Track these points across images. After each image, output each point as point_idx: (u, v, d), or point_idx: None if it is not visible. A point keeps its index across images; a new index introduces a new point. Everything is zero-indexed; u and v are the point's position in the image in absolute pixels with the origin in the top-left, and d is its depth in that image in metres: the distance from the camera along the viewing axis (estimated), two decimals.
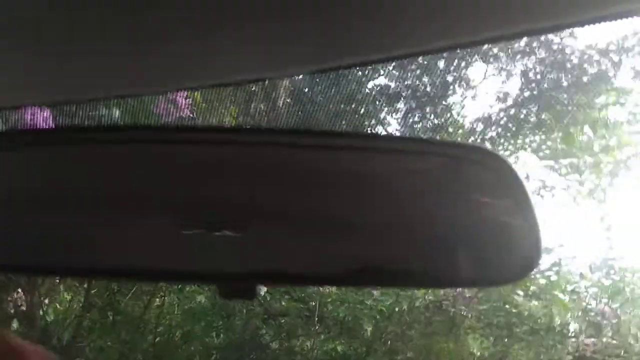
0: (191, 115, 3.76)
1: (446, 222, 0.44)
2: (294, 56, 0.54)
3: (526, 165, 4.46)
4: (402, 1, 0.44)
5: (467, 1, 0.43)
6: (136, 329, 4.21)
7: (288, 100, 4.29)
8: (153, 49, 0.54)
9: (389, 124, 4.45)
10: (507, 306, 3.78)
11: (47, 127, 2.78)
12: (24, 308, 3.86)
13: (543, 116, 4.02)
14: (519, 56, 4.29)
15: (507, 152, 4.48)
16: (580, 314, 3.81)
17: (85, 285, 4.09)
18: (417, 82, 4.21)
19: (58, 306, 4.17)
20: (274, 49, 0.53)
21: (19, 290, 3.86)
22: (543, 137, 4.23)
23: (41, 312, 3.96)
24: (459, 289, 3.96)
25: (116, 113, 3.05)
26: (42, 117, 2.89)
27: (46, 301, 4.04)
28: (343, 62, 0.57)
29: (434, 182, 0.46)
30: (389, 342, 4.17)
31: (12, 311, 3.82)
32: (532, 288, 3.87)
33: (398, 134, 4.50)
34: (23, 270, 0.46)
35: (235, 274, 0.42)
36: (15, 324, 3.74)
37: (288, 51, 0.53)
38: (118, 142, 0.44)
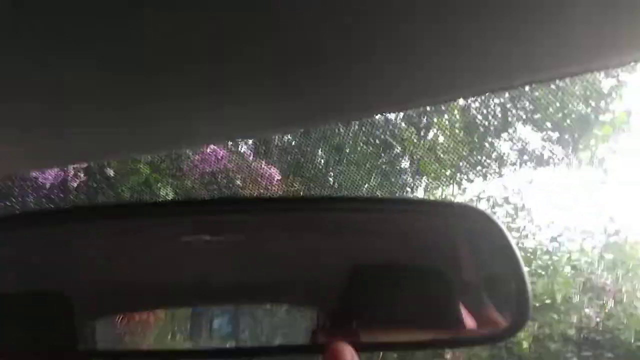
0: None
1: (436, 281, 0.44)
2: (289, 113, 0.54)
3: (521, 135, 4.45)
4: (397, 56, 0.43)
5: (464, 56, 0.42)
6: None
7: None
8: (148, 112, 0.55)
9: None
10: None
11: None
12: None
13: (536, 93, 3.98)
14: None
15: (500, 125, 4.46)
16: (581, 287, 3.84)
17: None
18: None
19: None
20: (267, 108, 0.53)
21: None
22: (536, 106, 4.20)
23: None
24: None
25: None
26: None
27: None
28: (335, 117, 0.56)
29: (424, 241, 0.45)
30: None
31: None
32: (533, 265, 3.89)
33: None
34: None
35: (228, 351, 0.43)
36: None
37: (282, 108, 0.53)
38: (117, 217, 0.44)
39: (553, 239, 4.00)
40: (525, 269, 0.42)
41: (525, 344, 3.68)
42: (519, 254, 0.43)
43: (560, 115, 3.87)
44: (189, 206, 0.45)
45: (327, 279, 0.44)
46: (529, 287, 0.42)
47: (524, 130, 4.17)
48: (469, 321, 0.44)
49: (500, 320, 0.44)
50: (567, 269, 3.85)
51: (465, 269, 0.45)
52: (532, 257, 3.96)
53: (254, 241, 0.45)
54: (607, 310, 3.76)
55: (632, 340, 3.61)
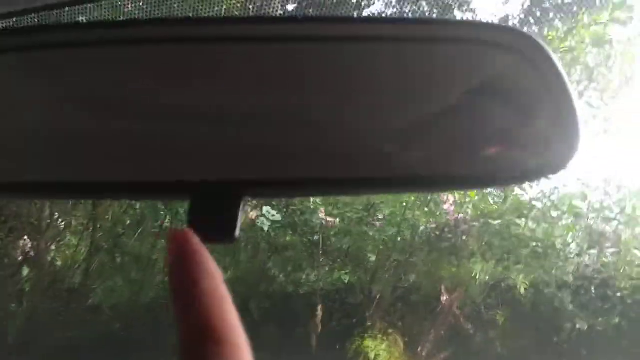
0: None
1: (467, 118, 0.38)
2: None
3: None
4: None
5: None
6: (145, 269, 4.30)
7: None
8: None
9: None
10: (508, 231, 3.81)
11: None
12: (32, 254, 3.93)
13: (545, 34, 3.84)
14: None
15: None
16: (581, 234, 3.84)
17: (91, 230, 4.14)
18: (415, 7, 3.99)
19: (66, 251, 4.24)
20: None
21: (25, 237, 3.91)
22: None
23: (49, 258, 4.04)
24: (460, 217, 3.99)
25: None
26: None
27: (53, 247, 4.10)
28: None
29: (450, 73, 0.39)
30: (393, 269, 4.26)
31: (21, 258, 3.89)
32: (533, 212, 3.88)
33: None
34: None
35: (216, 183, 0.37)
36: (25, 271, 3.82)
37: None
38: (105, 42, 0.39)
39: (555, 188, 3.98)
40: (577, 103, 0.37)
41: (522, 289, 3.73)
42: (569, 83, 0.37)
43: None
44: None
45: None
46: (581, 125, 0.37)
47: None
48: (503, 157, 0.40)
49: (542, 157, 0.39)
50: (568, 216, 3.84)
51: (502, 105, 0.39)
52: (531, 205, 3.95)
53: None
54: (604, 259, 3.78)
55: (626, 286, 3.64)
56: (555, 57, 0.36)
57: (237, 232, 0.36)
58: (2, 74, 0.40)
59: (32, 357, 3.62)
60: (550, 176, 0.40)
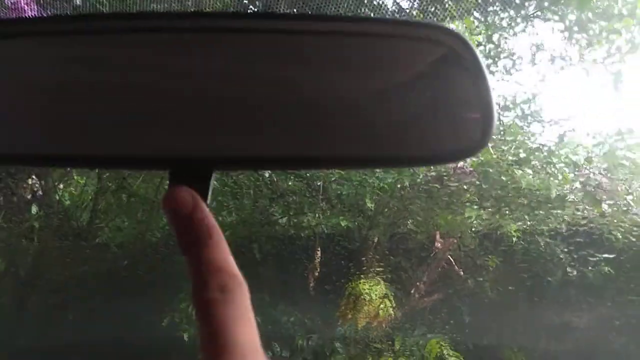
0: None
1: (396, 103, 0.44)
2: None
3: (538, 33, 4.23)
4: None
5: None
6: (151, 209, 4.43)
7: None
8: None
9: None
10: (506, 180, 3.84)
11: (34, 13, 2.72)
12: (40, 193, 4.06)
13: None
14: None
15: (518, 19, 4.23)
16: (579, 185, 3.86)
17: (97, 171, 4.23)
18: None
19: (73, 190, 4.36)
20: None
21: (33, 176, 4.02)
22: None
23: (57, 197, 4.17)
24: (459, 166, 4.02)
25: None
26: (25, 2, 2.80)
27: (60, 186, 4.22)
28: None
29: (384, 63, 0.45)
30: (391, 216, 4.35)
31: (30, 197, 4.02)
32: (532, 162, 3.89)
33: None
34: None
35: (192, 159, 0.42)
36: (34, 209, 3.96)
37: None
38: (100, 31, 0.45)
39: (560, 137, 3.96)
40: (494, 97, 0.42)
41: (515, 237, 3.81)
42: (487, 74, 0.42)
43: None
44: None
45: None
46: (495, 114, 0.43)
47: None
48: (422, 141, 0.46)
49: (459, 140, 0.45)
50: (567, 167, 3.85)
51: (429, 93, 0.45)
52: (535, 154, 3.96)
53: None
54: (600, 209, 3.82)
55: (618, 236, 3.70)
56: (478, 52, 0.41)
57: (208, 201, 0.42)
58: (7, 57, 0.44)
59: (42, 289, 3.82)
60: (467, 158, 0.46)
